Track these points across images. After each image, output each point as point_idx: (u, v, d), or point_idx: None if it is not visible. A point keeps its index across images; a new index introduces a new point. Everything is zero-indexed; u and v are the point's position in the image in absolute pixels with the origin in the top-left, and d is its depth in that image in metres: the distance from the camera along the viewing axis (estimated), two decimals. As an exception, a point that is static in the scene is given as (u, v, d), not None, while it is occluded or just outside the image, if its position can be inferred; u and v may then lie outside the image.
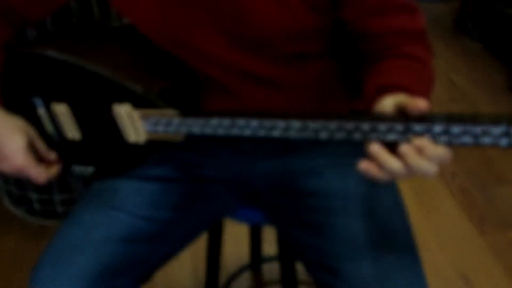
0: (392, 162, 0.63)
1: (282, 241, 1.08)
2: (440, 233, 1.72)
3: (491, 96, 2.40)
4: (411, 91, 0.70)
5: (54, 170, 0.88)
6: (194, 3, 0.78)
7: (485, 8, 2.89)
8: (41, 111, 0.87)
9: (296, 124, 0.67)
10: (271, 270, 1.63)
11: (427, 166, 0.62)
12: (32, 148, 0.85)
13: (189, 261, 1.67)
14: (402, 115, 0.65)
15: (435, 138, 0.63)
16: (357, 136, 0.67)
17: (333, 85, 0.78)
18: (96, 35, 0.87)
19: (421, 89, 0.73)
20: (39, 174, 0.85)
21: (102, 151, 0.90)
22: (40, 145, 0.87)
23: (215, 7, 0.77)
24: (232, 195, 0.99)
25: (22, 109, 0.88)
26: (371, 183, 0.86)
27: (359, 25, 0.80)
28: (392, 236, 0.81)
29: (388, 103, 0.66)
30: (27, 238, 1.77)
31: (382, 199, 0.85)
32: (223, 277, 1.57)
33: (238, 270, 1.60)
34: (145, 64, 0.85)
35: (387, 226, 0.82)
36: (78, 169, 0.93)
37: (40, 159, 0.88)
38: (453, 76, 2.58)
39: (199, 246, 1.71)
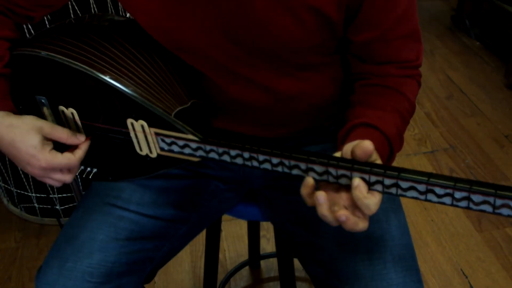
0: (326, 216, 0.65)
1: (280, 238, 1.09)
2: (438, 230, 1.73)
3: (488, 94, 2.40)
4: (390, 140, 0.73)
5: (82, 151, 0.83)
6: (204, 12, 0.75)
7: (482, 5, 2.89)
8: (46, 111, 0.85)
9: (317, 168, 0.67)
10: (270, 267, 1.64)
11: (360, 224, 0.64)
12: (51, 140, 0.81)
13: (188, 259, 1.68)
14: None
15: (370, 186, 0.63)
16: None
17: (336, 93, 0.79)
18: (101, 33, 0.83)
19: (398, 139, 0.75)
20: (69, 161, 0.80)
21: (109, 157, 0.88)
22: (61, 133, 0.81)
23: (224, 14, 0.75)
24: (231, 192, 0.99)
25: (28, 106, 0.86)
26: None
27: (366, 48, 0.79)
28: (387, 234, 0.81)
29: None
30: (27, 237, 1.78)
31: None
32: (221, 274, 1.58)
33: (237, 267, 1.61)
34: (161, 78, 0.82)
35: (383, 223, 0.82)
36: (81, 169, 0.92)
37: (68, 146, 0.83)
38: (450, 73, 2.58)
39: (197, 244, 1.72)
